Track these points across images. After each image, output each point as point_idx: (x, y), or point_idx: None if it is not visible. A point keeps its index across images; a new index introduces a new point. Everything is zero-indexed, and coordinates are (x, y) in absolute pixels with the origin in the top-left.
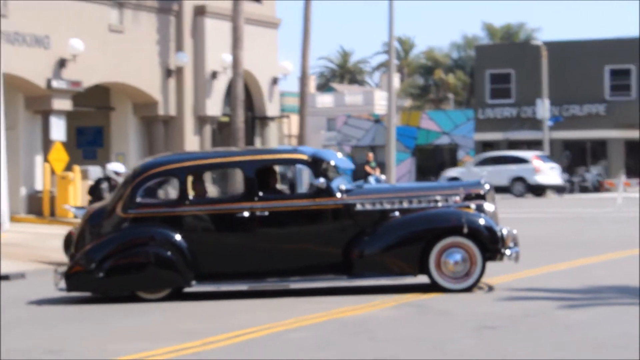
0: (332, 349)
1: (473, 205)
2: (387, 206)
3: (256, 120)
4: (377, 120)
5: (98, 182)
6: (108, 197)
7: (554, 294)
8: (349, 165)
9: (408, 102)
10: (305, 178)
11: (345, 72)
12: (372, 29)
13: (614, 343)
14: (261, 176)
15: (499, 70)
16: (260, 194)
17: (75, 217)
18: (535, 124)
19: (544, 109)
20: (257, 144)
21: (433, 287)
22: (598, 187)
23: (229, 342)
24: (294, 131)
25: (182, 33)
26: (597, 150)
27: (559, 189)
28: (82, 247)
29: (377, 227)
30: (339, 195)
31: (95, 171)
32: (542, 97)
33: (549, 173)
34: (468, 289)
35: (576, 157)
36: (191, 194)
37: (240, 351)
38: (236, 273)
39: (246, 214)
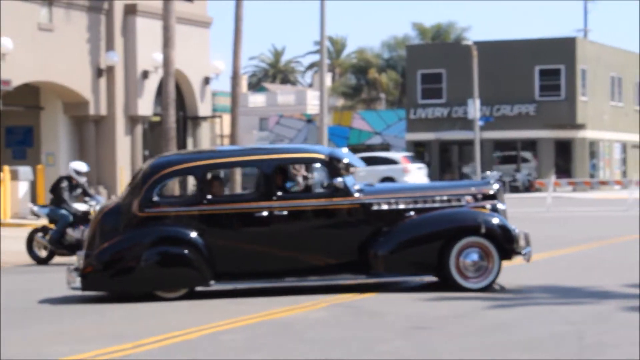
0: (263, 350)
1: (488, 205)
2: (402, 206)
3: (188, 120)
4: (309, 120)
5: (59, 180)
6: (67, 196)
7: (484, 294)
8: (361, 164)
9: (340, 102)
10: (317, 177)
11: (277, 72)
12: (304, 29)
13: (544, 343)
14: (278, 175)
15: (430, 70)
16: (279, 193)
17: (38, 216)
18: (466, 124)
19: (475, 109)
20: (189, 144)
21: (453, 287)
22: (529, 187)
23: (160, 344)
24: (226, 131)
25: (112, 32)
26: (528, 150)
27: None
28: (96, 245)
29: (394, 226)
30: (356, 194)
31: (25, 172)
32: (473, 97)
33: (417, 174)
34: (485, 288)
35: (507, 157)
36: (209, 192)
37: (170, 353)
38: (254, 272)
39: (265, 213)
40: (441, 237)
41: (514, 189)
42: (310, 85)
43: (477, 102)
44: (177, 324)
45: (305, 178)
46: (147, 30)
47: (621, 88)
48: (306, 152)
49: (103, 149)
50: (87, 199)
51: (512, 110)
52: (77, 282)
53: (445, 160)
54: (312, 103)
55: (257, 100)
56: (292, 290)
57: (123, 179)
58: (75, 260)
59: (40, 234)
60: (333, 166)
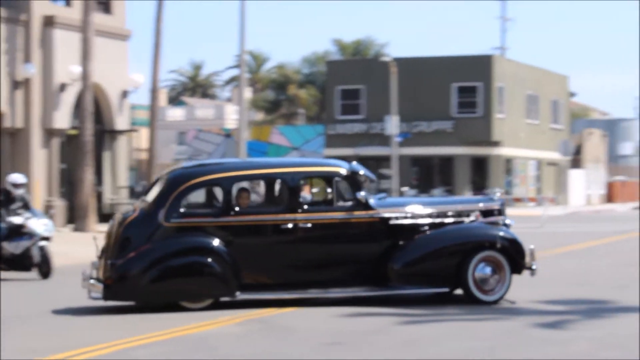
0: None
1: (500, 221)
2: (419, 220)
3: (105, 133)
4: (228, 134)
5: None
6: (3, 210)
7: (396, 310)
8: (373, 178)
9: (259, 117)
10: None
11: (196, 86)
12: (224, 43)
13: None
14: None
15: (349, 86)
16: (305, 206)
17: None
18: (384, 140)
19: (393, 125)
20: (106, 157)
21: (469, 299)
22: None
23: None
24: (144, 145)
25: (30, 44)
26: (444, 167)
27: None
28: (121, 255)
29: (411, 240)
30: (376, 208)
31: None
32: (391, 114)
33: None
34: (497, 301)
35: (424, 174)
36: (235, 204)
37: None
38: (278, 283)
39: (290, 225)
40: (460, 251)
41: None
42: (230, 100)
43: (395, 118)
44: (89, 340)
45: (312, 194)
46: (65, 43)
47: (537, 106)
48: (329, 165)
49: (19, 162)
50: (20, 211)
51: (429, 126)
52: (99, 291)
53: None
54: (231, 117)
55: (175, 114)
56: (206, 307)
57: (38, 192)
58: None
59: None
60: (354, 180)
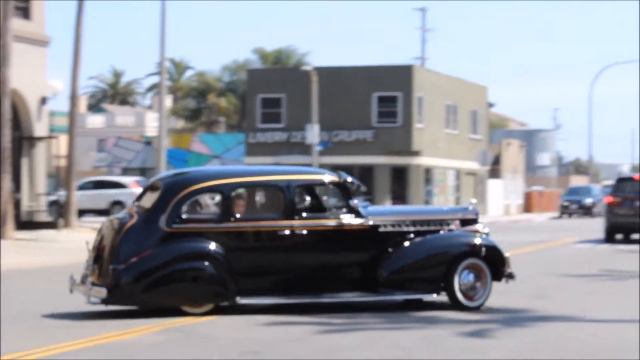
0: None
1: (479, 229)
2: (405, 228)
3: (24, 140)
4: (148, 142)
5: None
6: None
7: (315, 319)
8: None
9: (180, 125)
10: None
11: (116, 93)
12: (145, 50)
13: None
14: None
15: (270, 95)
16: (304, 214)
17: None
18: (305, 148)
19: (313, 134)
20: (24, 164)
21: (455, 305)
22: None
23: None
24: (63, 152)
25: None
26: (365, 176)
27: None
28: (122, 260)
29: (400, 247)
30: (366, 216)
31: None
32: (312, 122)
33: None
34: (479, 307)
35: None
36: (234, 210)
37: None
38: (274, 288)
39: (287, 232)
40: (446, 259)
41: None
42: (150, 107)
43: (316, 127)
44: (5, 349)
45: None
46: None
47: (456, 116)
48: (322, 174)
49: None
50: None
51: (350, 136)
52: (101, 296)
53: None
54: (152, 125)
55: (95, 121)
56: (124, 314)
57: None
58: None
59: None
60: (346, 188)
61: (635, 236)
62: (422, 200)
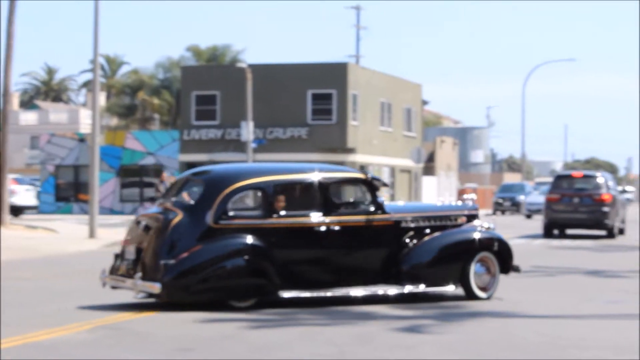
0: None
1: (486, 224)
2: (422, 223)
3: None
4: (82, 139)
5: None
6: None
7: (249, 316)
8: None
9: (114, 122)
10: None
11: (50, 90)
12: (79, 47)
13: None
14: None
15: (204, 92)
16: (339, 210)
17: None
18: (239, 146)
19: (248, 131)
20: None
21: (470, 296)
22: None
23: None
24: None
25: None
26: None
27: (30, 209)
28: (170, 256)
29: (420, 241)
30: (389, 212)
31: None
32: (247, 120)
33: (25, 195)
34: (490, 297)
35: None
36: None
37: None
38: (311, 282)
39: (324, 227)
40: (463, 253)
41: None
42: (84, 104)
43: (251, 124)
44: None
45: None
46: None
47: (391, 114)
48: (354, 172)
49: None
50: None
51: (284, 133)
52: (152, 290)
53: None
54: (86, 122)
55: (28, 118)
56: (54, 312)
57: None
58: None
59: None
60: (373, 185)
61: (571, 232)
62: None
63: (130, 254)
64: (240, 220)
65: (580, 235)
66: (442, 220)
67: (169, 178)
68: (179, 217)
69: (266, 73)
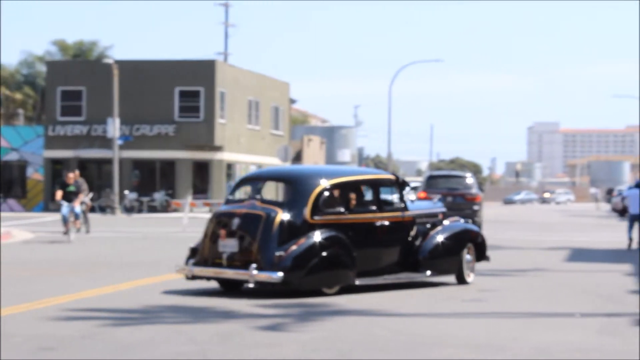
0: None
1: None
2: (425, 219)
3: None
4: None
5: None
6: None
7: (113, 314)
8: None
9: None
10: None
11: None
12: None
13: None
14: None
15: (70, 88)
16: (386, 207)
17: None
18: (106, 142)
19: (114, 127)
20: None
21: (459, 282)
22: (166, 207)
23: None
24: None
25: None
26: (166, 170)
27: None
28: (280, 248)
29: (428, 235)
30: (410, 210)
31: None
32: (113, 116)
33: None
34: (471, 282)
35: (146, 177)
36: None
37: None
38: (366, 271)
39: (379, 223)
40: (463, 245)
41: (152, 209)
42: None
43: (117, 121)
44: None
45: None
46: None
47: (258, 112)
48: (390, 174)
49: None
50: None
51: (151, 130)
52: (269, 280)
53: (86, 179)
54: None
55: None
56: None
57: None
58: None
59: None
60: (403, 186)
61: None
62: (223, 196)
63: (231, 247)
64: (328, 216)
65: None
66: (435, 217)
67: (74, 177)
68: (280, 213)
69: (133, 69)
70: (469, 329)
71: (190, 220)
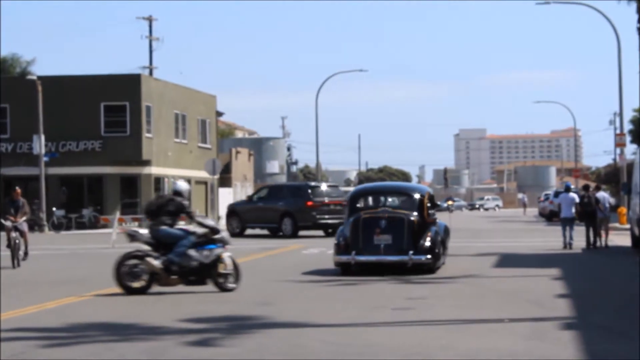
0: None
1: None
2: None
3: None
4: None
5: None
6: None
7: (40, 334)
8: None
9: None
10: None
11: None
12: None
13: None
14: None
15: None
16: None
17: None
18: (31, 159)
19: (40, 144)
20: None
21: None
22: (95, 223)
23: None
24: None
25: None
26: (94, 186)
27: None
28: (427, 240)
29: (428, 229)
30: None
31: None
32: (38, 133)
33: None
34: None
35: (74, 194)
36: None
37: None
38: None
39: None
40: (442, 237)
41: (81, 226)
42: None
43: (42, 137)
44: None
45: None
46: None
47: (185, 125)
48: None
49: None
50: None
51: (77, 146)
52: (425, 261)
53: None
54: None
55: None
56: None
57: None
58: None
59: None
60: (432, 196)
61: None
62: None
63: (385, 240)
64: (431, 216)
65: None
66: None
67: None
68: (413, 216)
69: (57, 85)
70: (399, 338)
71: (119, 236)
